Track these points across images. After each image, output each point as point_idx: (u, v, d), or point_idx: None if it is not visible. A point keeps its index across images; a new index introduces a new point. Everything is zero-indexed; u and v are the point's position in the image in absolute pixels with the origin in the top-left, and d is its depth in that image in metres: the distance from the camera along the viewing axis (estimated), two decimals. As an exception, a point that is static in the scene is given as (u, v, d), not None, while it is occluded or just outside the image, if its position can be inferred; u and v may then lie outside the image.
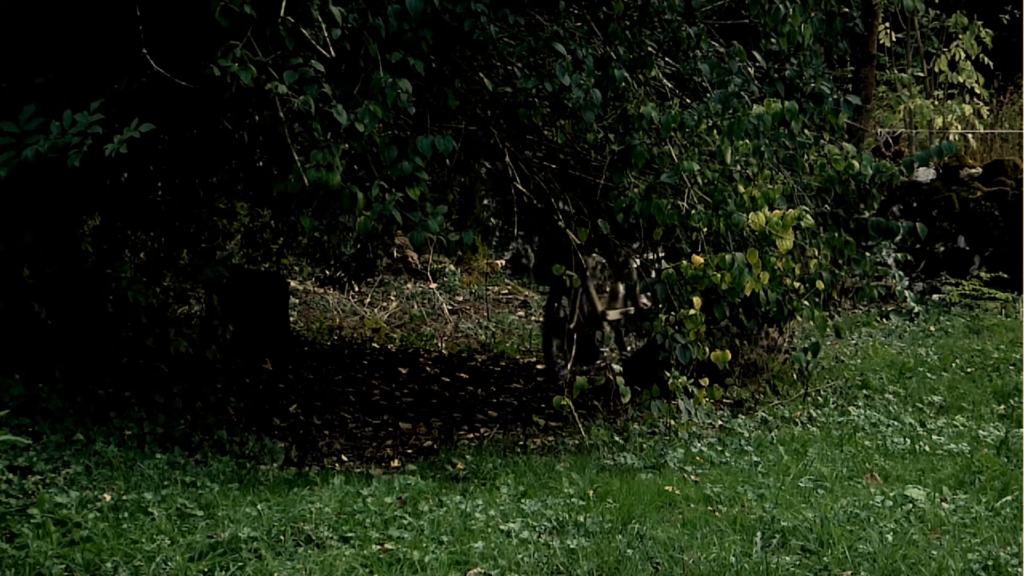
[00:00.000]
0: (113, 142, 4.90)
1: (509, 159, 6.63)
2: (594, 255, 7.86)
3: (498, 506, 5.04)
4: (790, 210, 6.42)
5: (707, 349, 6.32)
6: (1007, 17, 14.27)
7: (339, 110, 5.22)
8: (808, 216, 6.52)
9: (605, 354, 9.64)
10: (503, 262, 12.92)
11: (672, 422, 6.43)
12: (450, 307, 11.24)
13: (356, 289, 11.12)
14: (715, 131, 6.28)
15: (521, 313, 11.40)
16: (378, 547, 4.47)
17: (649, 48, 6.37)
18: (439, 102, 5.98)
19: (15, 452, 5.25)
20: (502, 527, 4.73)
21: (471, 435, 6.95)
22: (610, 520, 4.84)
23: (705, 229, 6.35)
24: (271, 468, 5.98)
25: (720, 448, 6.30)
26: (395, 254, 11.50)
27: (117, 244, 7.64)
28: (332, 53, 5.27)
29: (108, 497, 4.94)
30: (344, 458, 6.58)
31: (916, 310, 8.46)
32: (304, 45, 5.27)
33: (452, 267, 12.22)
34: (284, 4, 5.19)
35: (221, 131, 6.96)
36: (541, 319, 11.15)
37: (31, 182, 5.70)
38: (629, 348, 8.15)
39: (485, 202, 8.84)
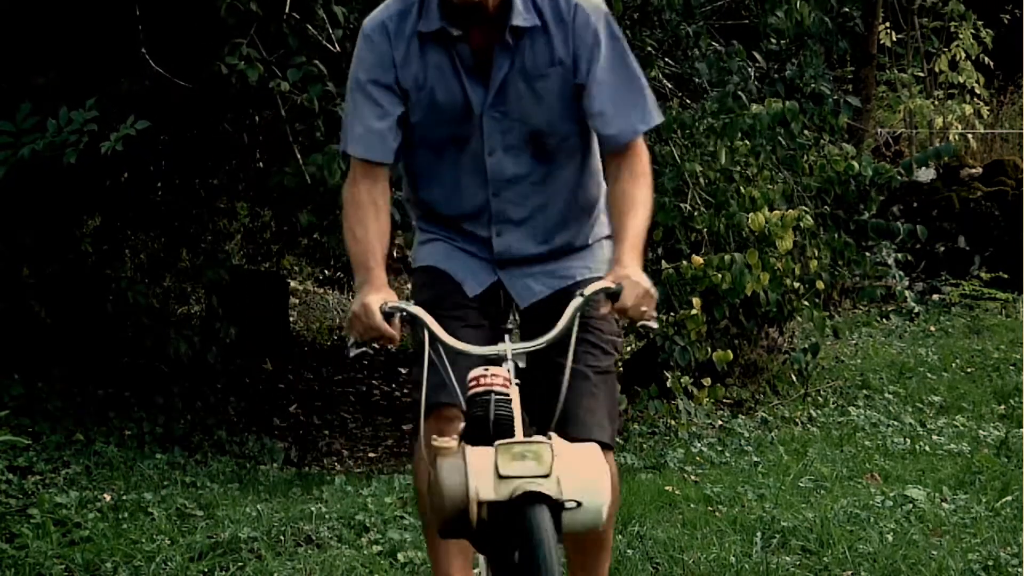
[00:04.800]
0: (110, 140, 4.89)
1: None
2: None
3: (498, 506, 5.03)
4: (789, 211, 6.42)
5: (708, 349, 6.31)
6: (1007, 17, 14.26)
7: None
8: (808, 217, 6.52)
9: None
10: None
11: (672, 422, 6.43)
12: (450, 307, 11.21)
13: (356, 289, 11.08)
14: (711, 133, 6.27)
15: (521, 313, 11.39)
16: (378, 547, 4.47)
17: (649, 48, 6.36)
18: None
19: (15, 452, 5.24)
20: (502, 527, 4.72)
21: (471, 435, 6.94)
22: (610, 520, 4.83)
23: (706, 230, 6.34)
24: (271, 468, 5.98)
25: (720, 448, 6.29)
26: (395, 254, 11.48)
27: (117, 244, 7.64)
28: (337, 48, 5.29)
29: (108, 497, 4.93)
30: (344, 456, 6.58)
31: (916, 310, 8.44)
32: (307, 44, 5.29)
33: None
34: (289, 2, 5.21)
35: (221, 131, 6.96)
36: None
37: (31, 182, 5.70)
38: (628, 348, 8.13)
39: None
